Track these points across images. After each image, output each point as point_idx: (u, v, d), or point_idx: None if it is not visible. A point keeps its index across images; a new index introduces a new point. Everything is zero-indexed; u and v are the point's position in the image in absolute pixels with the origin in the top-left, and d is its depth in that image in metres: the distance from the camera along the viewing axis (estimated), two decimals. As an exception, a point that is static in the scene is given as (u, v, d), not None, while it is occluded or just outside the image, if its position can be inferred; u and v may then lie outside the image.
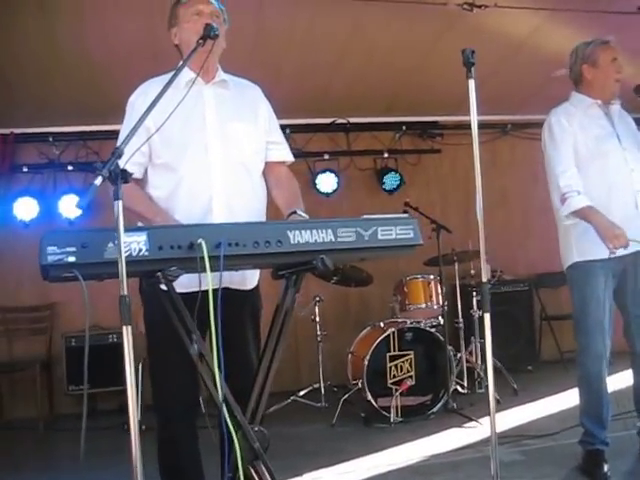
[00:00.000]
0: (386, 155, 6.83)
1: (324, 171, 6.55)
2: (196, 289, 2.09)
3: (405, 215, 2.43)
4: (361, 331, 5.48)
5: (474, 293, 5.94)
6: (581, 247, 3.56)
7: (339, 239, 2.22)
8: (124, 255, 1.84)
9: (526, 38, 5.50)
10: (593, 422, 3.62)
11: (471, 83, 2.42)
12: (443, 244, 5.66)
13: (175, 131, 2.50)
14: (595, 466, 3.51)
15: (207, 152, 2.57)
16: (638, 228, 3.41)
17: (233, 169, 2.61)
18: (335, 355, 5.76)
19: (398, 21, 5.10)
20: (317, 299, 5.46)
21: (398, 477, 3.86)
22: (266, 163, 2.79)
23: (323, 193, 6.54)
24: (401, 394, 4.96)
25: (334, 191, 6.57)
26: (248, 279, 2.67)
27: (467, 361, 5.77)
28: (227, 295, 2.12)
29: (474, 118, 2.45)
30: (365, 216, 2.31)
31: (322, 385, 5.43)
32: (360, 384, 5.05)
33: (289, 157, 2.88)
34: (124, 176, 1.89)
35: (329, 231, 2.21)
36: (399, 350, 5.05)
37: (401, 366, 5.04)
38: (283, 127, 2.93)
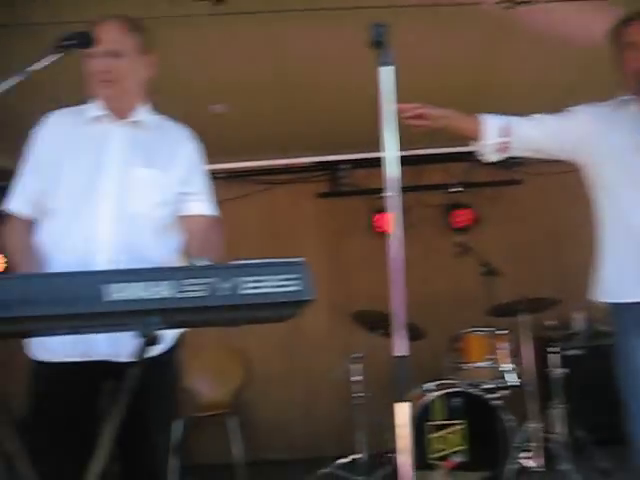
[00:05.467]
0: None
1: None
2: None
3: (295, 259, 1.66)
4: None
5: (549, 348, 4.99)
6: None
7: (180, 295, 1.55)
8: None
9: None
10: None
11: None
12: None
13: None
14: None
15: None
16: None
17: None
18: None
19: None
20: (354, 356, 4.67)
21: None
22: (181, 216, 2.30)
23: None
24: (448, 472, 4.12)
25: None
26: None
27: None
28: None
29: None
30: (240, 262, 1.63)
31: (365, 455, 4.60)
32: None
33: (206, 210, 2.33)
34: None
35: (166, 284, 1.55)
36: (445, 419, 4.23)
37: (446, 438, 4.21)
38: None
